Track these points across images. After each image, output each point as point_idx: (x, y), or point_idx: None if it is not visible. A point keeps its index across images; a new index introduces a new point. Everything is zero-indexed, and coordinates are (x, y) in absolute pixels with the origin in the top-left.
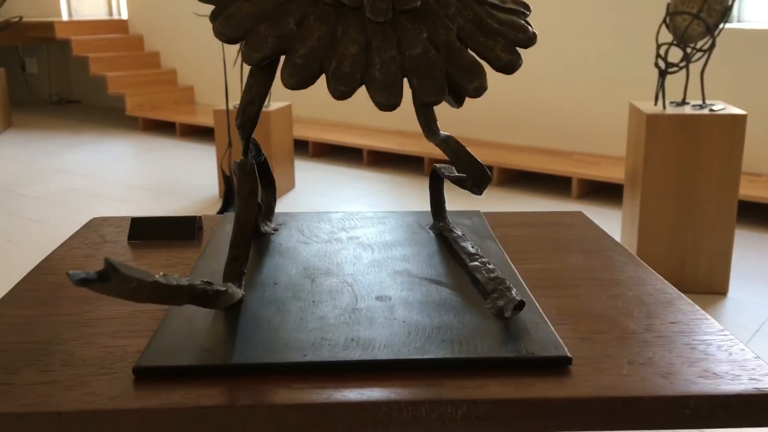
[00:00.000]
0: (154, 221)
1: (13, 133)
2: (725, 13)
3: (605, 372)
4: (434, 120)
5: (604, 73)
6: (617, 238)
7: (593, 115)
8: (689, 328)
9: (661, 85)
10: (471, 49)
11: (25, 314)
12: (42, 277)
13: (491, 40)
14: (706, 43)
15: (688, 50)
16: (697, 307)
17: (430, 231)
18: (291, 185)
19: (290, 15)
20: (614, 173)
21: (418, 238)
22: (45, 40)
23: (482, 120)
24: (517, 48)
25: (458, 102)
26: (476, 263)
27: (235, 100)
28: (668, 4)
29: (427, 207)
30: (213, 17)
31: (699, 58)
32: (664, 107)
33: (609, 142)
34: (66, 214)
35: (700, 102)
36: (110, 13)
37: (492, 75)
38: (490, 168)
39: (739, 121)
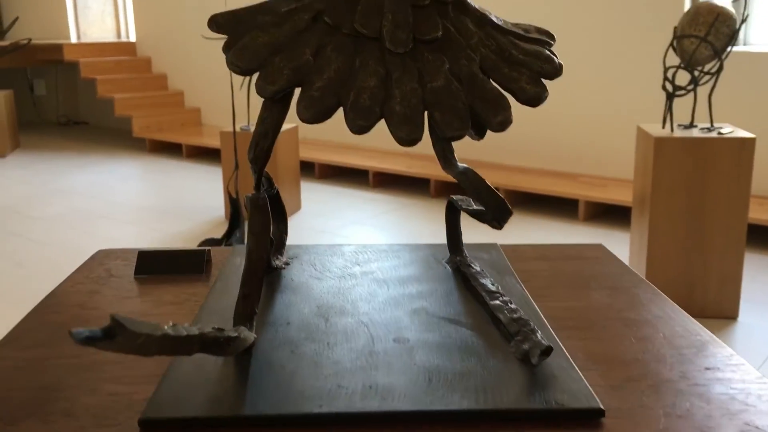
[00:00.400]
0: (162, 255)
1: (20, 154)
2: (732, 36)
3: (640, 425)
4: (452, 151)
5: (610, 96)
6: (625, 260)
7: (600, 137)
8: (725, 376)
9: (668, 108)
10: (495, 81)
11: (25, 357)
12: (45, 316)
13: (516, 71)
14: (713, 66)
15: (696, 73)
16: (731, 350)
17: (447, 265)
18: (297, 207)
19: (306, 45)
20: (621, 195)
21: (435, 273)
22: (53, 62)
23: (488, 142)
24: (543, 79)
25: (480, 135)
26: (497, 302)
27: (241, 122)
28: (675, 28)
29: (435, 228)
30: (226, 48)
31: (707, 81)
32: (672, 130)
33: (616, 164)
34: (72, 235)
35: (708, 125)
36: (118, 35)
37: None
38: (496, 189)
39: (747, 144)
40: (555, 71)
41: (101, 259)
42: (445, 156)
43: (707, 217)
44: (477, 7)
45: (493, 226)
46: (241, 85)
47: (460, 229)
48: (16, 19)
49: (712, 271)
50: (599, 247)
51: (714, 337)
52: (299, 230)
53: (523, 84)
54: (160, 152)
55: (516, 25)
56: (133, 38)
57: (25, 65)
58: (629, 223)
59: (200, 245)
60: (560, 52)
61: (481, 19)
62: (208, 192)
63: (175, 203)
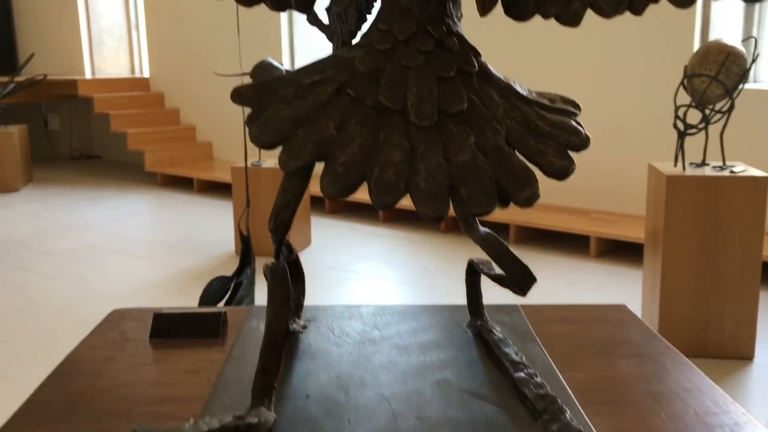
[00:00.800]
0: (177, 318)
1: (33, 188)
2: (743, 75)
3: None
4: (473, 215)
5: (622, 133)
6: (638, 299)
7: (611, 174)
8: None
9: (680, 147)
10: (521, 153)
11: None
12: (60, 386)
13: (542, 143)
14: (725, 104)
15: (707, 112)
16: (764, 429)
17: (468, 330)
18: (307, 242)
19: (330, 118)
20: (633, 232)
21: (456, 339)
22: (68, 97)
23: None
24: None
25: (504, 205)
26: (522, 374)
27: (253, 158)
28: (686, 67)
29: (445, 265)
30: (249, 121)
31: (718, 120)
32: (684, 168)
33: (627, 200)
34: (83, 271)
35: (720, 163)
36: (132, 71)
37: None
38: (506, 226)
39: (760, 183)
40: (582, 143)
41: (116, 320)
42: (467, 220)
43: (721, 256)
44: (501, 76)
45: (516, 293)
46: None
47: (480, 292)
48: (32, 55)
49: (727, 310)
50: (623, 309)
51: (747, 413)
52: (310, 266)
53: (549, 157)
54: (172, 186)
55: (541, 94)
56: (146, 74)
57: (40, 100)
58: (641, 260)
59: (210, 283)
60: (573, 89)
61: (506, 89)
62: (219, 227)
63: (186, 238)
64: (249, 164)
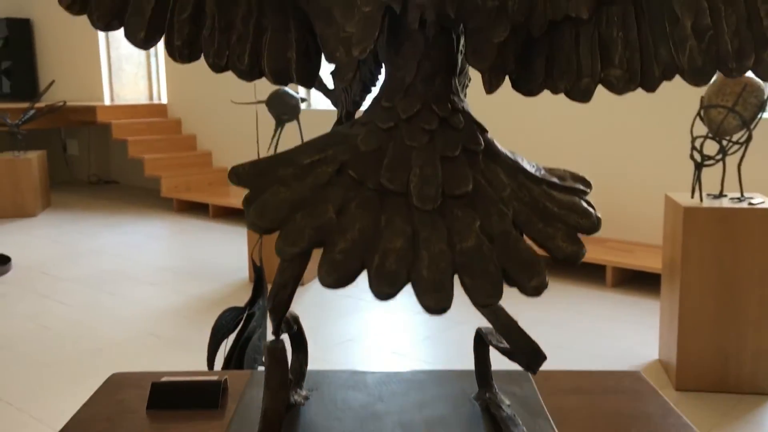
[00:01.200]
0: (175, 387)
1: (51, 213)
2: (761, 106)
3: None
4: (477, 305)
5: (638, 163)
6: (655, 331)
7: (627, 203)
8: None
9: (697, 178)
10: (529, 237)
11: None
12: None
13: (551, 226)
14: (742, 136)
15: (724, 143)
16: None
17: (476, 403)
18: (313, 275)
19: (330, 201)
20: (650, 262)
21: (463, 415)
22: (87, 123)
23: None
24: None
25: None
26: None
27: None
28: (702, 98)
29: (460, 295)
30: (247, 204)
31: (735, 151)
32: (702, 200)
33: (643, 229)
34: (97, 297)
35: (738, 195)
36: (151, 97)
37: (525, 151)
38: None
39: None
40: (592, 226)
41: (114, 387)
42: None
43: (740, 289)
44: (508, 153)
45: (525, 369)
46: (268, 148)
47: (489, 361)
48: (52, 82)
49: (746, 344)
50: (638, 378)
51: None
52: (323, 293)
53: (558, 242)
54: (188, 212)
55: (550, 170)
56: (164, 100)
57: (60, 126)
58: (658, 290)
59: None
60: (588, 117)
61: (513, 167)
62: (234, 253)
63: (200, 264)
64: None
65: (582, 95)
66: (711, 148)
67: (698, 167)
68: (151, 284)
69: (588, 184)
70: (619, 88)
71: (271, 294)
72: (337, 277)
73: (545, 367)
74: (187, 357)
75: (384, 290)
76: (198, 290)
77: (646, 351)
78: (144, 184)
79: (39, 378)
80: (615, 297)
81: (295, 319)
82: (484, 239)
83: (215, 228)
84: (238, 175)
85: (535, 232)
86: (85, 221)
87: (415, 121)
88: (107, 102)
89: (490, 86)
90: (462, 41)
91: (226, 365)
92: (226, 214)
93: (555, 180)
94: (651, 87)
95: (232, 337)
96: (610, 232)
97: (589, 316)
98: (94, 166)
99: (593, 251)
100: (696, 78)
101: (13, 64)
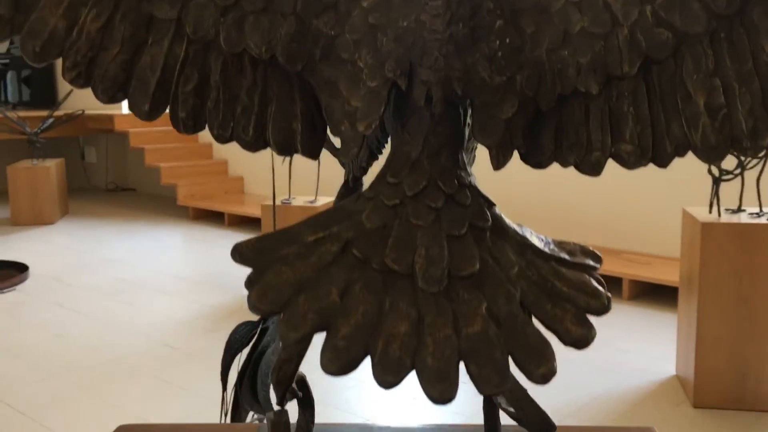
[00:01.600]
0: None
1: (68, 220)
2: None
3: None
4: (483, 395)
5: (655, 177)
6: (673, 345)
7: (644, 214)
8: None
9: (715, 193)
10: (537, 319)
11: None
12: None
13: (559, 307)
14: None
15: (743, 157)
16: None
17: None
18: None
19: (333, 283)
20: (667, 275)
21: None
22: (104, 131)
23: (530, 215)
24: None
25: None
26: None
27: (282, 195)
28: None
29: None
30: (249, 284)
31: (754, 166)
32: (720, 215)
33: (660, 241)
34: (113, 307)
35: (757, 210)
36: None
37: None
38: None
39: None
40: (602, 308)
41: None
42: None
43: (759, 304)
44: (516, 227)
45: None
46: (283, 160)
47: (499, 423)
48: (71, 91)
49: (765, 361)
50: None
51: None
52: None
53: (567, 324)
54: (203, 220)
55: (559, 244)
56: None
57: (77, 134)
58: (675, 303)
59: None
60: None
61: (521, 243)
62: None
63: (215, 273)
64: (278, 202)
65: (592, 169)
66: (729, 162)
67: (716, 182)
68: (167, 293)
69: (598, 259)
70: (630, 163)
71: (275, 368)
72: (340, 365)
73: (558, 420)
74: (200, 369)
75: (387, 379)
76: (213, 300)
77: (663, 366)
78: (160, 191)
79: (53, 388)
80: (631, 310)
81: (302, 382)
82: (491, 323)
83: (230, 236)
84: (241, 253)
85: (543, 313)
86: (102, 229)
87: (421, 198)
88: (125, 111)
89: (498, 162)
90: (469, 114)
91: (239, 381)
92: (241, 222)
93: (564, 256)
94: (663, 163)
95: (245, 350)
96: (627, 243)
97: (605, 328)
98: (111, 173)
99: (610, 263)
100: (710, 156)
101: (32, 72)
